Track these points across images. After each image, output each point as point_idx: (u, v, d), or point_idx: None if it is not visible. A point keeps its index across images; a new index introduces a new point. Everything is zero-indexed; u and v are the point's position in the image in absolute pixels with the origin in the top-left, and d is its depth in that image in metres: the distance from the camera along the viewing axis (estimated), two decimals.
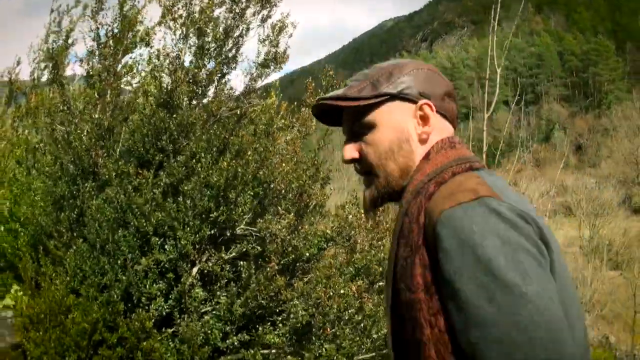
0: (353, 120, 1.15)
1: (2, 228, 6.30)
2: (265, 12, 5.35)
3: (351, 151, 1.16)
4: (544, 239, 0.94)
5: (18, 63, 8.71)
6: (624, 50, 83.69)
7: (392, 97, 1.12)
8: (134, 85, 5.46)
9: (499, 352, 0.85)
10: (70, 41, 8.00)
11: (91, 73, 5.50)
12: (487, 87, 8.32)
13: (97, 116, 5.30)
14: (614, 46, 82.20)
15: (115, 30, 5.49)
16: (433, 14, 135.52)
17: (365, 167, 1.15)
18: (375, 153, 1.12)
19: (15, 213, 6.03)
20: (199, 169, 4.28)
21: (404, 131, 1.11)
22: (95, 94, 5.46)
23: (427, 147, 1.12)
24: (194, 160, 4.53)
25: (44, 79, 9.19)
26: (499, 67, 8.01)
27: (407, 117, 1.12)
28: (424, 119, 1.11)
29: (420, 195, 1.02)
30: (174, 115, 4.76)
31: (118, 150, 5.20)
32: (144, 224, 4.38)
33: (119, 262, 4.47)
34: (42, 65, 9.31)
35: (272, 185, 4.25)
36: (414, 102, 1.11)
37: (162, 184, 4.52)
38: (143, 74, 5.55)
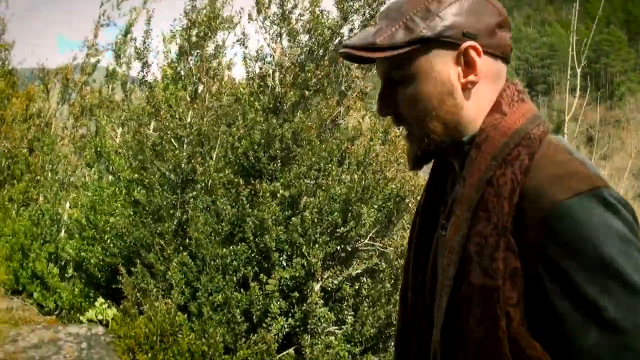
0: (388, 68, 0.98)
1: (76, 235, 6.02)
2: (369, 10, 5.05)
3: (385, 106, 1.00)
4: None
5: (74, 59, 8.40)
6: (637, 42, 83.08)
7: (430, 41, 0.92)
8: (231, 89, 5.15)
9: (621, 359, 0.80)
10: (129, 36, 7.73)
11: (182, 74, 5.20)
12: (567, 88, 8.02)
13: (189, 121, 5.01)
14: (626, 37, 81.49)
15: (207, 31, 5.19)
16: None
17: (401, 122, 1.00)
18: (413, 109, 0.96)
19: (92, 220, 5.74)
20: (329, 182, 3.99)
21: (446, 83, 0.94)
22: (187, 97, 5.17)
23: (477, 98, 0.95)
24: (313, 171, 4.25)
25: (98, 73, 8.89)
26: (578, 66, 7.71)
27: (449, 64, 0.94)
28: (469, 65, 0.93)
29: (510, 165, 0.89)
30: (286, 122, 4.47)
31: (215, 157, 4.92)
32: (266, 240, 4.10)
33: (234, 278, 4.21)
34: (94, 59, 9.02)
35: (406, 200, 3.96)
36: (457, 45, 0.93)
37: (279, 196, 4.24)
38: (241, 75, 5.23)
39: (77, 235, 5.76)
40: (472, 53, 0.93)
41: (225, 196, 4.50)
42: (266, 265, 4.19)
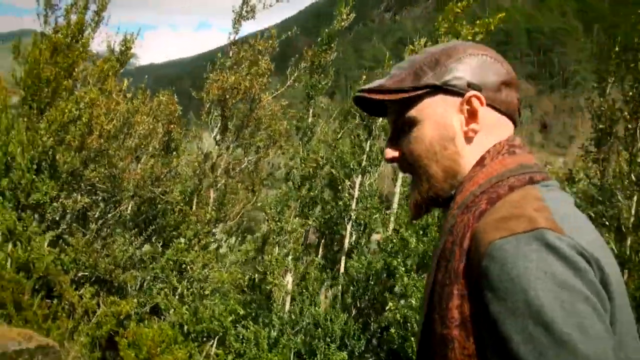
0: (396, 114, 1.04)
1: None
2: None
3: (391, 150, 1.06)
4: (605, 283, 0.80)
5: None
6: (592, 31, 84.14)
7: (436, 88, 0.99)
8: None
9: None
10: None
11: None
12: None
13: None
14: (582, 27, 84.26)
15: None
16: None
17: (406, 168, 1.05)
18: (415, 152, 1.01)
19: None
20: None
21: (448, 128, 0.99)
22: None
23: (477, 149, 0.98)
24: None
25: None
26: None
27: (452, 112, 0.99)
28: (472, 114, 0.98)
29: (468, 211, 0.89)
30: None
31: None
32: None
33: None
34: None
35: None
36: (461, 94, 0.98)
37: None
38: None
39: None
40: (475, 102, 0.96)
41: None
42: None
